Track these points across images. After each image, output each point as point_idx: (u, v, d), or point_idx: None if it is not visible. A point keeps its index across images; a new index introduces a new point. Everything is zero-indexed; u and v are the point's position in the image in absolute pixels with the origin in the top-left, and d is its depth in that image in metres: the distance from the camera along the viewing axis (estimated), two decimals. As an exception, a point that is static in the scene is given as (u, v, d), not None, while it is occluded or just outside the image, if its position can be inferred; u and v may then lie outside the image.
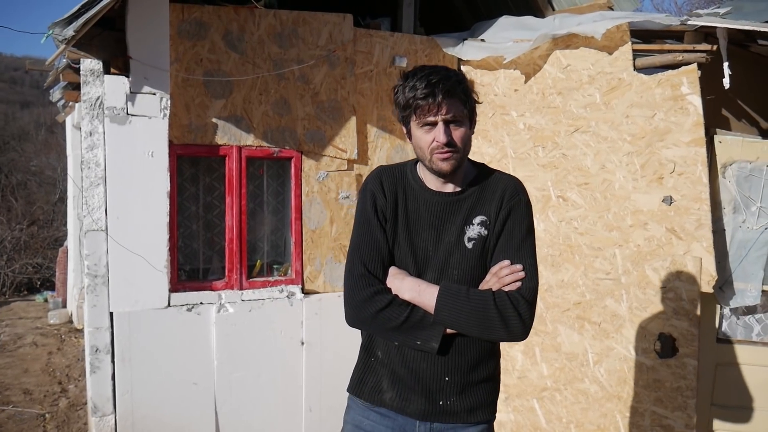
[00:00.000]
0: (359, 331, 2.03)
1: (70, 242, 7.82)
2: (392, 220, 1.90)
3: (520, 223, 1.89)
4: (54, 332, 7.21)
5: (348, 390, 2.08)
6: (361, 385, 2.01)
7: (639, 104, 3.54)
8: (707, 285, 3.32)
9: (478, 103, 1.93)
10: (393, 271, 1.88)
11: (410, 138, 1.91)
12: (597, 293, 3.72)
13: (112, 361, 3.75)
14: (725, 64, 3.30)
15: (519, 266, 1.82)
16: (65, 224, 9.39)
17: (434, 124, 1.80)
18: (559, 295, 3.90)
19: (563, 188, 3.91)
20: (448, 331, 1.83)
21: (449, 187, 1.93)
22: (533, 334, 4.07)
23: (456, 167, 1.86)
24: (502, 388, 4.29)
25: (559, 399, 3.89)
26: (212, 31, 3.90)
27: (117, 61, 3.66)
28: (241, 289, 4.08)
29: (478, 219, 1.90)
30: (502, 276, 1.82)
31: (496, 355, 2.00)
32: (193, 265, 4.12)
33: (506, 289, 1.81)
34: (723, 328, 3.65)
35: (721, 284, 3.49)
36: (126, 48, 3.64)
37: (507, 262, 1.84)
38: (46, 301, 8.60)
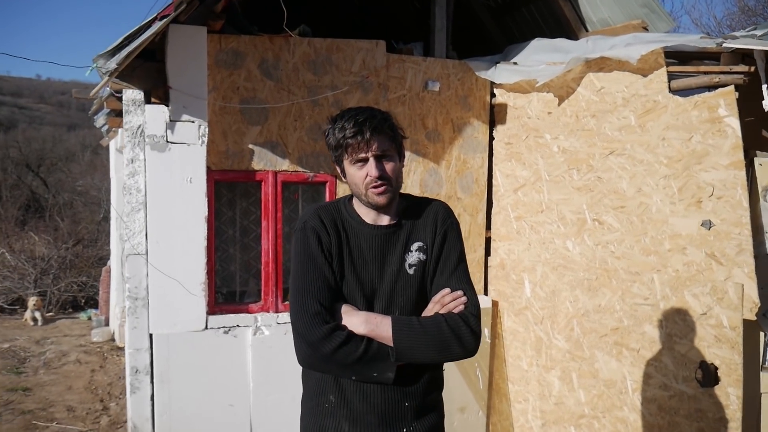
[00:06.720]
0: None
1: (113, 262, 8.03)
2: (338, 256, 1.95)
3: (455, 246, 2.02)
4: (97, 350, 7.39)
5: None
6: (323, 430, 1.99)
7: (675, 127, 3.48)
8: (749, 312, 3.22)
9: (405, 138, 2.05)
10: (345, 308, 1.91)
11: (344, 176, 2.00)
12: (635, 319, 3.65)
13: (151, 382, 3.83)
14: (764, 86, 3.23)
15: (460, 292, 1.93)
16: (109, 243, 9.65)
17: (365, 160, 1.90)
18: (596, 320, 3.84)
19: (599, 211, 3.87)
20: None
21: (385, 220, 2.01)
22: (570, 359, 4.01)
23: (391, 199, 1.95)
24: (539, 414, 4.24)
25: (597, 427, 3.82)
26: (248, 60, 3.99)
27: (157, 91, 3.79)
28: (276, 311, 4.13)
29: (415, 245, 2.00)
30: (446, 303, 1.91)
31: (441, 381, 2.10)
32: (230, 287, 4.20)
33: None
34: (767, 357, 3.54)
35: (765, 311, 3.39)
36: (166, 78, 3.76)
37: (447, 290, 1.94)
38: (89, 319, 8.82)
